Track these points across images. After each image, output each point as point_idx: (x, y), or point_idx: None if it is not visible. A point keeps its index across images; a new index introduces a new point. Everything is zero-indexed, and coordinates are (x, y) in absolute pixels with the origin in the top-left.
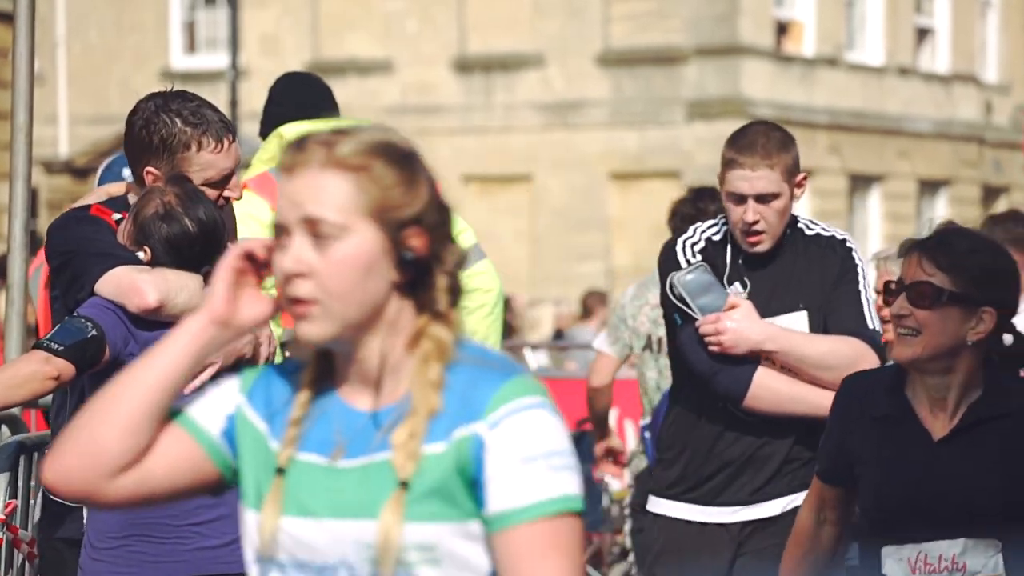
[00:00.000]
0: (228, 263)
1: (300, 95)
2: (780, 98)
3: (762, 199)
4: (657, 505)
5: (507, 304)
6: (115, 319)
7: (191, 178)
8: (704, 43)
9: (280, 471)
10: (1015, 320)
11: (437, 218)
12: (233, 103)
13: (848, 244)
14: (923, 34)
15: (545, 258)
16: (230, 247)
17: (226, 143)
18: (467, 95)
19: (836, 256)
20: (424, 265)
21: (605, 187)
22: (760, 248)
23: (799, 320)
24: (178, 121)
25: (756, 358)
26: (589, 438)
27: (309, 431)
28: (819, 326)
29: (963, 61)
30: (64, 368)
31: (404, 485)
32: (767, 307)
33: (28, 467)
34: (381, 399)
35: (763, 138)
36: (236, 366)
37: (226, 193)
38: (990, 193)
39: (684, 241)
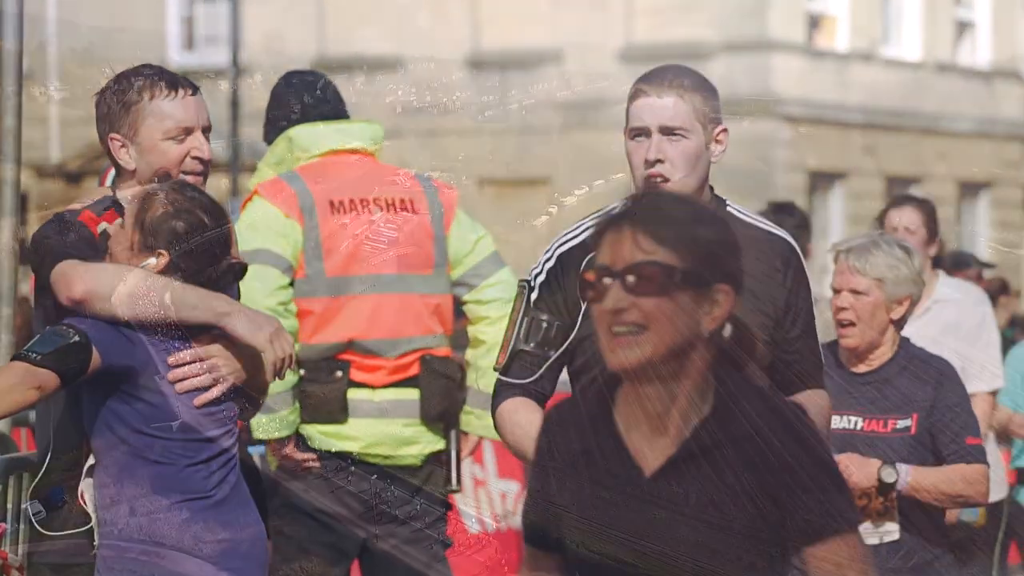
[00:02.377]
0: None
1: (304, 95)
2: (812, 96)
3: (668, 132)
4: None
5: None
6: (105, 323)
7: (150, 135)
8: (732, 38)
9: None
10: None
11: None
12: (234, 103)
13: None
14: (963, 27)
15: None
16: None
17: (182, 92)
18: (482, 93)
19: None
20: None
21: (628, 192)
22: None
23: None
24: (132, 77)
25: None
26: None
27: None
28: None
29: (1005, 56)
30: (45, 378)
31: None
32: None
33: (18, 488)
34: None
35: (674, 70)
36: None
37: (194, 153)
38: None
39: (554, 244)
